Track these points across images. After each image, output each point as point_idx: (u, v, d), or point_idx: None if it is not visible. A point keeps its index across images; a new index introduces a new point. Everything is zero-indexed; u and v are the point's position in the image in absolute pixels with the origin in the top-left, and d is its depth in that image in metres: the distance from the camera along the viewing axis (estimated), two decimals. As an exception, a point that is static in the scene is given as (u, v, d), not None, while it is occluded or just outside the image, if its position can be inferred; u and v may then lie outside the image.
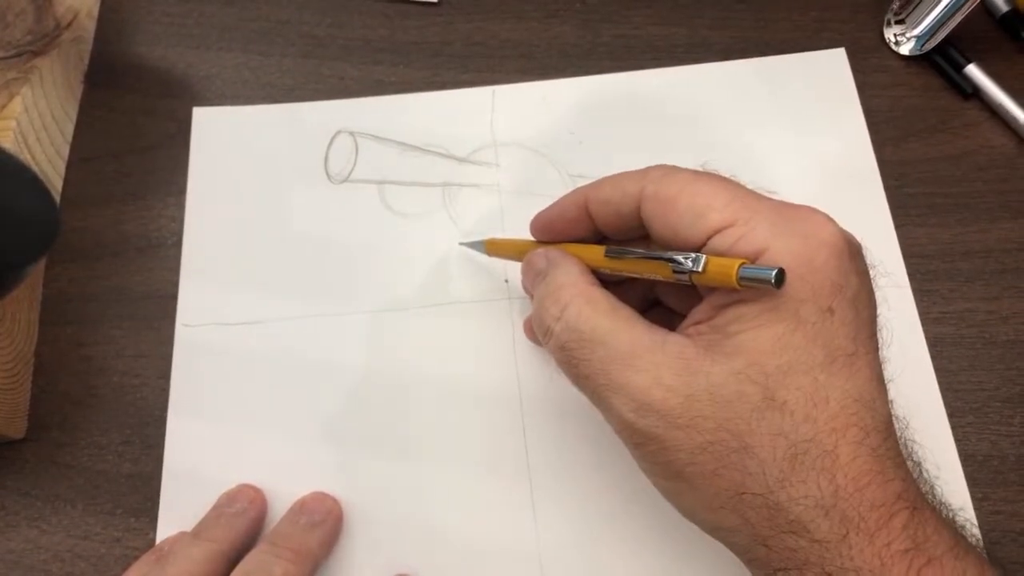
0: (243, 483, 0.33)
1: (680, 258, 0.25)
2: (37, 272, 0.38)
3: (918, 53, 0.42)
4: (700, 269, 0.24)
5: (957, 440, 0.34)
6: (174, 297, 0.37)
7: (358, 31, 0.43)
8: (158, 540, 0.33)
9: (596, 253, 0.28)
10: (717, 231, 0.25)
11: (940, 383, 0.35)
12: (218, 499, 0.33)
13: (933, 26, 0.41)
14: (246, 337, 0.36)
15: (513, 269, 0.37)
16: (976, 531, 0.32)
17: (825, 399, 0.23)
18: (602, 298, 0.27)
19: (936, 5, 0.40)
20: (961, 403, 0.35)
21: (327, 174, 0.40)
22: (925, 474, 0.27)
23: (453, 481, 0.34)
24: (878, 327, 0.26)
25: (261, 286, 0.37)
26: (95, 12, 0.44)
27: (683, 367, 0.24)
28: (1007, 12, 0.42)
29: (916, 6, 0.41)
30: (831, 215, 0.25)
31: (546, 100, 0.41)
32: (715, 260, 0.24)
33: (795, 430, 0.23)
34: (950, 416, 0.34)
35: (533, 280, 0.30)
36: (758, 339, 0.23)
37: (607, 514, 0.33)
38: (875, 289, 0.26)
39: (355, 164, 0.40)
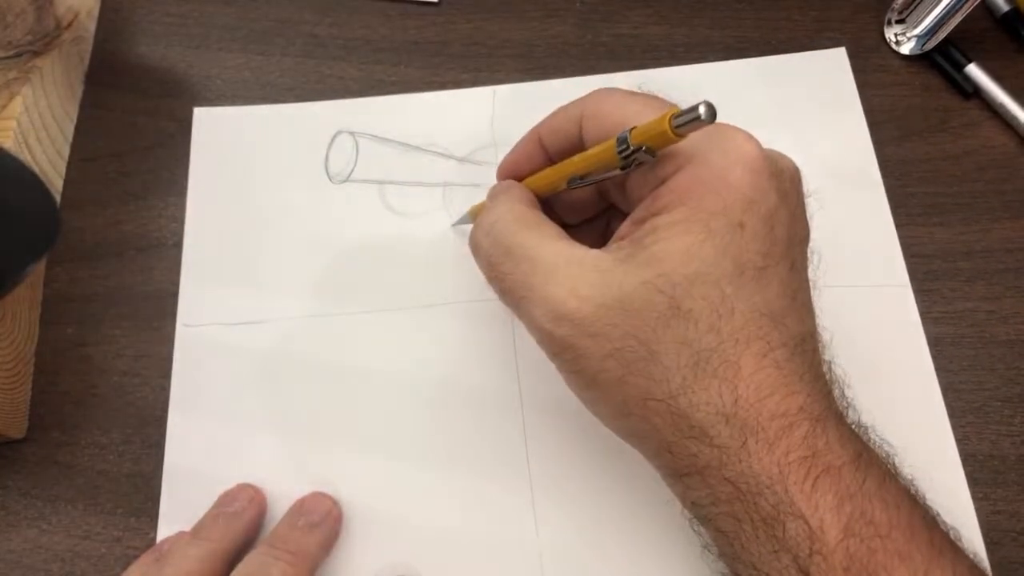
0: (243, 483, 0.33)
1: (620, 135, 0.25)
2: (38, 272, 0.38)
3: (919, 53, 0.42)
4: (631, 133, 0.25)
5: (957, 440, 0.34)
6: (174, 297, 0.37)
7: (358, 31, 0.43)
8: (158, 540, 0.33)
9: (551, 171, 0.30)
10: None
11: (940, 383, 0.35)
12: (218, 499, 0.33)
13: (934, 26, 0.41)
14: (246, 337, 0.36)
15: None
16: (972, 524, 0.32)
17: (731, 310, 0.24)
18: (531, 216, 0.28)
19: (937, 5, 0.40)
20: (961, 403, 0.35)
21: (327, 174, 0.40)
22: (845, 399, 0.27)
23: (453, 481, 0.34)
24: (808, 251, 0.26)
25: (262, 286, 0.37)
26: (95, 12, 0.44)
27: (597, 278, 0.25)
28: (1008, 11, 0.42)
29: (917, 6, 0.41)
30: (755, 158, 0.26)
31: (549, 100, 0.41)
32: (648, 122, 0.24)
33: (699, 339, 0.23)
34: (950, 416, 0.34)
35: None
36: (668, 250, 0.24)
37: (607, 514, 0.33)
38: (808, 216, 0.27)
39: (355, 164, 0.40)
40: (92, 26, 0.43)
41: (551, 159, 0.30)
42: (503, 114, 0.41)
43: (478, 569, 0.32)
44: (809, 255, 0.27)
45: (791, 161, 0.27)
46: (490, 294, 0.36)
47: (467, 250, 0.37)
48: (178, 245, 0.38)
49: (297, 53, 0.43)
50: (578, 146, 0.29)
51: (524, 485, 0.34)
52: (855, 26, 0.43)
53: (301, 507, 0.32)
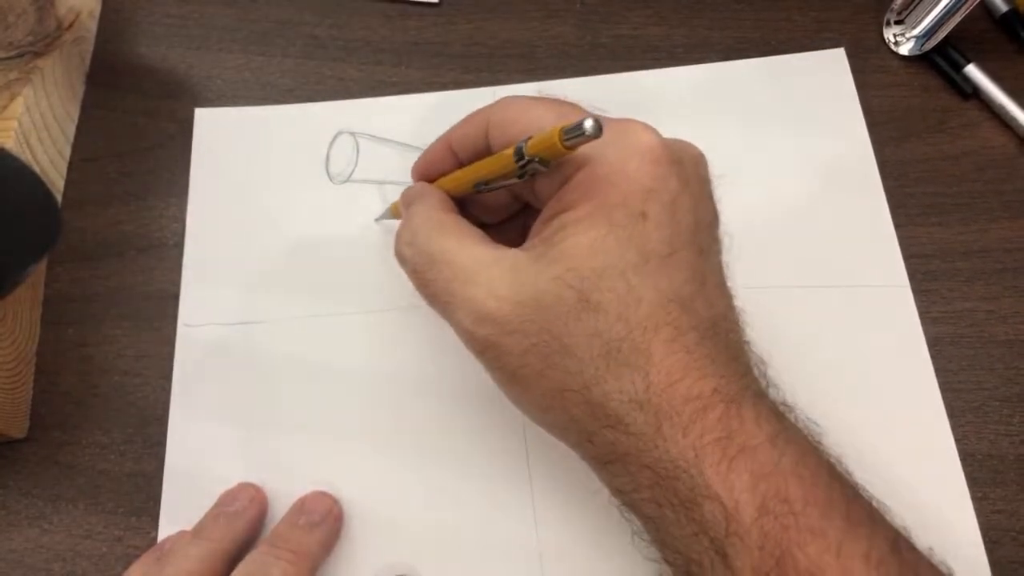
0: (243, 482, 0.33)
1: (517, 145, 0.26)
2: (39, 272, 0.38)
3: (918, 53, 0.42)
4: (528, 145, 0.25)
5: (957, 440, 0.34)
6: (175, 297, 0.37)
7: (358, 32, 0.43)
8: (159, 539, 0.33)
9: (459, 175, 0.30)
10: None
11: (940, 383, 0.35)
12: (219, 498, 0.33)
13: (933, 26, 0.41)
14: (247, 337, 0.36)
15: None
16: (976, 531, 0.33)
17: (638, 299, 0.24)
18: (451, 223, 0.28)
19: (936, 5, 0.40)
20: (961, 403, 0.35)
21: (328, 174, 0.40)
22: (765, 377, 0.27)
23: (453, 481, 0.34)
24: (718, 233, 0.27)
25: (262, 286, 0.37)
26: (97, 13, 0.44)
27: (513, 278, 0.25)
28: (1007, 12, 0.42)
29: (916, 6, 0.41)
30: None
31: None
32: (540, 134, 0.25)
33: (609, 329, 0.24)
34: (950, 416, 0.34)
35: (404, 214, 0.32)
36: (576, 245, 0.25)
37: (607, 514, 0.33)
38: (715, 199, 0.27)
39: (356, 164, 0.40)
40: (93, 27, 0.43)
41: (460, 164, 0.31)
42: (503, 114, 0.41)
43: (478, 569, 0.32)
44: (720, 238, 0.27)
45: (694, 147, 0.28)
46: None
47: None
48: (179, 245, 0.38)
49: (297, 54, 0.43)
50: (485, 153, 0.29)
51: (524, 485, 0.34)
52: (854, 27, 0.43)
53: (302, 506, 0.32)
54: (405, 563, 0.32)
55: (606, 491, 0.33)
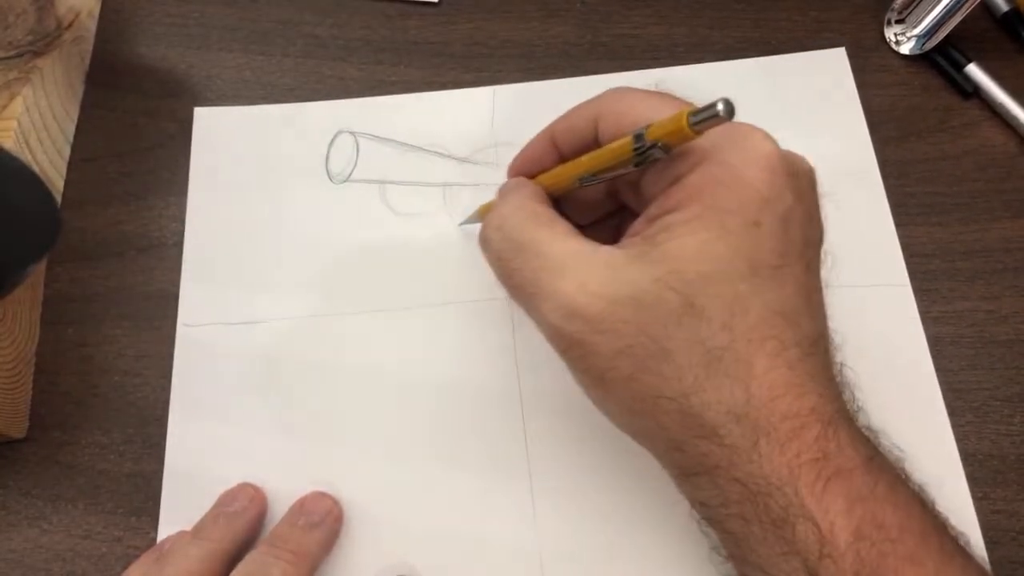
0: (243, 482, 0.33)
1: (636, 131, 0.25)
2: (38, 272, 0.38)
3: (918, 52, 0.42)
4: (648, 129, 0.24)
5: (957, 440, 0.34)
6: (175, 297, 0.37)
7: (359, 31, 0.43)
8: (159, 539, 0.33)
9: (562, 169, 0.29)
10: None
11: (940, 382, 0.35)
12: (218, 498, 0.33)
13: (933, 25, 0.41)
14: (247, 337, 0.36)
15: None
16: (976, 531, 0.33)
17: (745, 309, 0.23)
18: (543, 212, 0.27)
19: (936, 5, 0.40)
20: (961, 402, 0.35)
21: (328, 174, 0.40)
22: (856, 401, 0.27)
23: (453, 481, 0.34)
24: (821, 251, 0.26)
25: (262, 286, 0.37)
26: (96, 12, 0.44)
27: (609, 275, 0.24)
28: (1007, 11, 0.42)
29: (916, 6, 0.41)
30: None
31: (550, 100, 0.41)
32: (664, 119, 0.24)
33: (712, 337, 0.23)
34: (950, 415, 0.34)
35: None
36: (682, 247, 0.24)
37: (607, 514, 0.33)
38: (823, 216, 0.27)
39: (356, 164, 0.40)
40: (93, 26, 0.43)
41: (563, 159, 0.30)
42: (503, 114, 0.41)
43: (478, 569, 0.32)
44: (823, 256, 0.27)
45: (808, 162, 0.27)
46: (490, 294, 0.37)
47: (468, 250, 0.37)
48: (179, 245, 0.38)
49: (298, 54, 0.43)
50: (592, 146, 0.28)
51: (524, 485, 0.34)
52: (855, 26, 0.43)
53: (301, 507, 0.32)
54: (405, 563, 0.32)
55: (606, 491, 0.33)
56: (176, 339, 0.36)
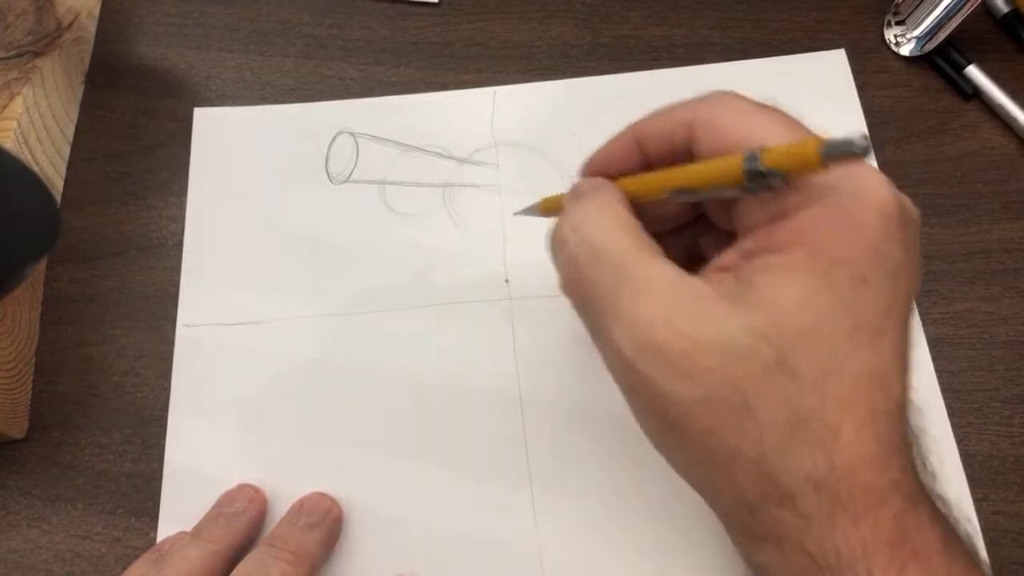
0: (243, 483, 0.33)
1: (749, 153, 0.22)
2: (38, 272, 0.38)
3: (918, 54, 0.42)
4: (765, 153, 0.22)
5: (957, 440, 0.34)
6: (175, 297, 0.37)
7: (359, 31, 0.43)
8: (159, 540, 0.33)
9: (652, 178, 0.26)
10: None
11: (940, 383, 0.35)
12: (218, 499, 0.33)
13: (933, 27, 0.41)
14: (246, 337, 0.36)
15: (513, 269, 0.37)
16: (975, 527, 0.32)
17: (839, 371, 0.21)
18: (629, 221, 0.24)
19: (936, 6, 0.40)
20: (961, 403, 0.35)
21: (328, 174, 0.40)
22: (929, 466, 0.25)
23: (453, 481, 0.34)
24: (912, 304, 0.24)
25: (261, 286, 0.37)
26: (96, 13, 0.44)
27: (698, 312, 0.22)
28: (1008, 13, 0.42)
29: (916, 7, 0.41)
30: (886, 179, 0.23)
31: (550, 101, 0.41)
32: (786, 145, 0.21)
33: (800, 398, 0.21)
34: (950, 416, 0.34)
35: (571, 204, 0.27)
36: (784, 298, 0.21)
37: (607, 514, 0.33)
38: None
39: (356, 164, 0.40)
40: (93, 26, 0.43)
41: (648, 163, 0.27)
42: (504, 115, 0.41)
43: (478, 569, 0.32)
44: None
45: (916, 208, 0.24)
46: (490, 294, 0.37)
47: (468, 251, 0.37)
48: (178, 245, 0.38)
49: (297, 54, 0.43)
50: (682, 153, 0.25)
51: (524, 485, 0.34)
52: (855, 27, 0.43)
53: (301, 507, 0.32)
54: (405, 563, 0.32)
55: (606, 492, 0.33)
56: (176, 339, 0.36)
